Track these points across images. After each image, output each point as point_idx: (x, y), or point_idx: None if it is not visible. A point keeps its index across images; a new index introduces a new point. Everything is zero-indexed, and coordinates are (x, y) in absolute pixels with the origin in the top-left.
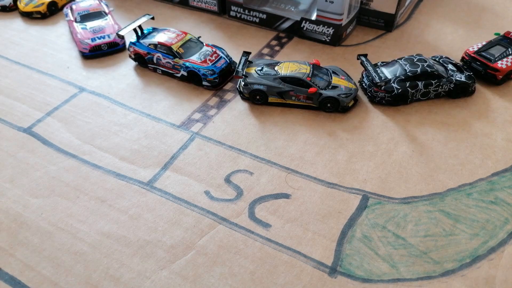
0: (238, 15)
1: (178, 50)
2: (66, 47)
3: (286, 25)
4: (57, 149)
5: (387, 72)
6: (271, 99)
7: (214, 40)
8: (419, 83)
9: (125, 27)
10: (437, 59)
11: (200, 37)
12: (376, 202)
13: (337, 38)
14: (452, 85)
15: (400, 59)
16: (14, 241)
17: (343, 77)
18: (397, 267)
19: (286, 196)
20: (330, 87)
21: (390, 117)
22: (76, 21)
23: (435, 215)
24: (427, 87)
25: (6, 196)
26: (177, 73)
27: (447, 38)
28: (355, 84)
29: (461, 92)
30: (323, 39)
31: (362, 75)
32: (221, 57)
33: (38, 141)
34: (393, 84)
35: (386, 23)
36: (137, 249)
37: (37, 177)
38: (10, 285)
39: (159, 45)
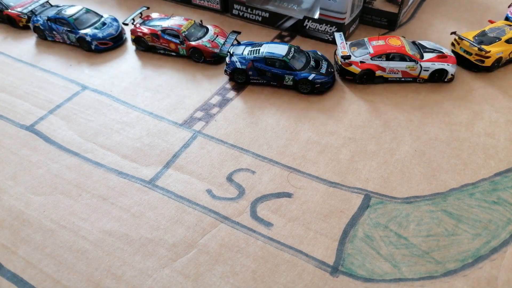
0: (241, 13)
1: None
2: (67, 46)
3: (288, 23)
4: (59, 147)
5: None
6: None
7: None
8: None
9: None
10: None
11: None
12: (378, 202)
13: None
14: None
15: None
16: (16, 239)
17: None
18: (399, 266)
19: (288, 195)
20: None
21: (392, 116)
22: None
23: (437, 215)
24: None
25: (8, 193)
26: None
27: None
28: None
29: None
30: (326, 38)
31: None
32: None
33: (40, 138)
34: None
35: (389, 22)
36: (139, 247)
37: (39, 175)
38: (12, 283)
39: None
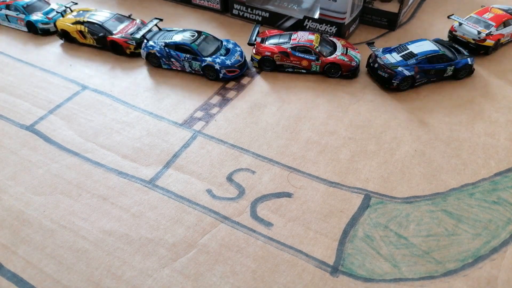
0: (241, 13)
1: None
2: (68, 46)
3: (289, 23)
4: (59, 146)
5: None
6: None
7: None
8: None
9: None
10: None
11: None
12: (378, 202)
13: (340, 37)
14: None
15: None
16: (16, 239)
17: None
18: (399, 266)
19: (288, 195)
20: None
21: (392, 116)
22: None
23: (437, 215)
24: None
25: (8, 193)
26: None
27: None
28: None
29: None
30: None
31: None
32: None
33: (40, 138)
34: None
35: (389, 22)
36: (139, 247)
37: (39, 175)
38: (12, 282)
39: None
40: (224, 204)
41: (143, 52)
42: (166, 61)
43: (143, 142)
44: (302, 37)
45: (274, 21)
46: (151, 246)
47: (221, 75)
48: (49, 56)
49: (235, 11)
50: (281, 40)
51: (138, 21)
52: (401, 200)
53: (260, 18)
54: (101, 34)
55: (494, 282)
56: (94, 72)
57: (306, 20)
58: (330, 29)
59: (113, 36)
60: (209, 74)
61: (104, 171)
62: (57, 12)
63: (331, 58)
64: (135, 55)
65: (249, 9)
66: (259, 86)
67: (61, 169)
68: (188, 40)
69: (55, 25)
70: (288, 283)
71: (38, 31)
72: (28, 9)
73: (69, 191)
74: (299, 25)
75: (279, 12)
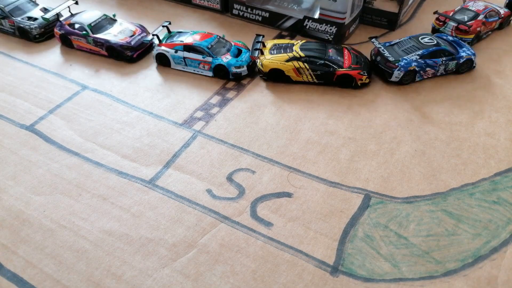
0: (241, 13)
1: None
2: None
3: (289, 23)
4: (60, 146)
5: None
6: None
7: None
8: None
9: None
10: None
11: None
12: (378, 202)
13: (340, 37)
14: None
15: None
16: (16, 239)
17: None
18: (399, 266)
19: (288, 195)
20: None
21: (392, 116)
22: None
23: (437, 214)
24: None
25: (8, 193)
26: None
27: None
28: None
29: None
30: (326, 38)
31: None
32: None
33: (40, 138)
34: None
35: (389, 22)
36: (139, 247)
37: (40, 175)
38: (12, 282)
39: None
40: (224, 204)
41: (398, 73)
42: (422, 73)
43: (143, 142)
44: (477, 6)
45: (274, 21)
46: (151, 246)
47: (475, 65)
48: (49, 57)
49: (235, 11)
50: (469, 16)
51: (347, 47)
52: (401, 200)
53: (260, 18)
54: (331, 69)
55: (494, 282)
56: (94, 72)
57: (306, 20)
58: (330, 29)
59: (344, 70)
60: (463, 68)
61: (104, 171)
62: (255, 49)
63: (503, 12)
64: (364, 85)
65: (249, 9)
66: (258, 86)
67: (61, 169)
68: (436, 44)
69: (247, 68)
70: (288, 283)
71: (229, 76)
72: (212, 50)
73: (69, 191)
74: (299, 25)
75: (279, 12)
